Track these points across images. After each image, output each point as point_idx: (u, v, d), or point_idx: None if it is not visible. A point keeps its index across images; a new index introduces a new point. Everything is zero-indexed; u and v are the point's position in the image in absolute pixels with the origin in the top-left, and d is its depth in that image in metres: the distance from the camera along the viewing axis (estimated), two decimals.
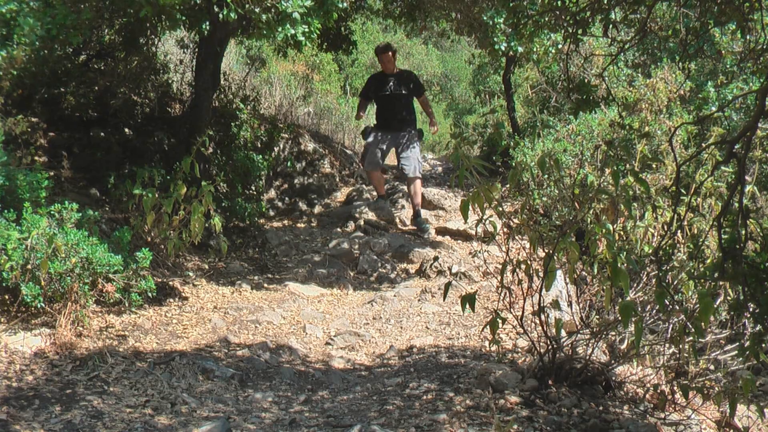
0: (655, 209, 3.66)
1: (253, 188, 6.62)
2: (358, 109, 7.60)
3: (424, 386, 3.49)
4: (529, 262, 3.24)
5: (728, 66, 7.13)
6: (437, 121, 7.65)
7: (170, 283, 4.97)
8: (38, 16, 3.93)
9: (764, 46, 3.29)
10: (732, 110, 6.49)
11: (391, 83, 7.14)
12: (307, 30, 4.63)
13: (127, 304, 4.15)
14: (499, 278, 3.35)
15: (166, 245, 4.86)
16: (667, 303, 2.87)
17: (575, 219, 3.45)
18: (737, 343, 3.30)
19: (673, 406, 3.31)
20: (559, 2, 3.50)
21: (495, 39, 6.84)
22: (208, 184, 4.85)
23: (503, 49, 7.07)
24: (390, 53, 7.20)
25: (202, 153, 5.15)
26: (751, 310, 2.54)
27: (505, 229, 3.41)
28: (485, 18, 6.65)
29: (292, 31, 4.58)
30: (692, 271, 3.23)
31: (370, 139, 7.19)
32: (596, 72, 7.96)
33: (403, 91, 7.16)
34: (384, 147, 7.19)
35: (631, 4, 3.53)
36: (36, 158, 5.42)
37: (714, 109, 6.42)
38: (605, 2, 3.35)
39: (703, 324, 2.62)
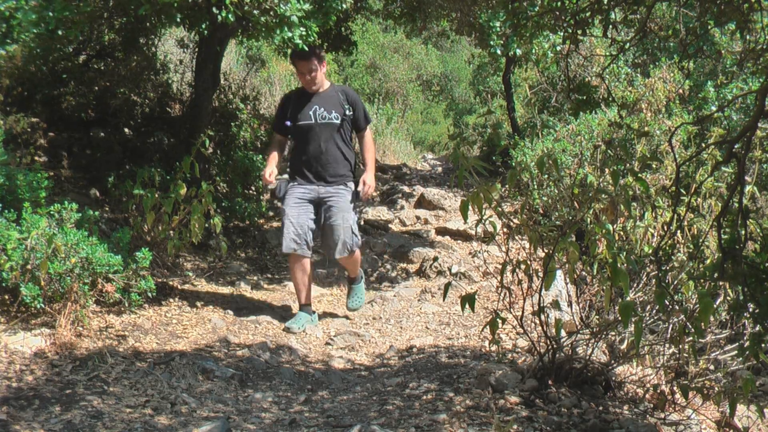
0: (654, 209, 3.66)
1: (253, 188, 6.62)
2: (269, 152, 4.76)
3: (424, 386, 3.49)
4: (529, 262, 3.24)
5: (728, 66, 7.14)
6: (372, 177, 4.73)
7: (170, 283, 4.97)
8: (38, 11, 3.93)
9: (764, 46, 3.29)
10: (732, 110, 6.50)
11: (316, 107, 4.62)
12: (304, 33, 4.64)
13: (127, 304, 4.15)
14: (499, 278, 3.35)
15: (166, 245, 4.86)
16: (667, 303, 2.87)
17: (575, 219, 3.45)
18: (737, 343, 3.30)
19: (673, 406, 3.31)
20: (558, 3, 3.50)
21: (491, 42, 6.86)
22: (208, 184, 4.86)
23: (499, 52, 7.10)
24: (312, 61, 4.58)
25: (202, 153, 5.15)
26: (751, 310, 2.54)
27: (505, 229, 3.41)
28: (481, 21, 6.67)
29: (290, 34, 4.59)
30: (692, 271, 3.23)
31: (289, 202, 4.60)
32: (596, 71, 7.96)
33: (334, 119, 4.61)
34: (310, 211, 4.61)
35: (630, 5, 3.53)
36: (36, 158, 5.43)
37: (714, 109, 6.43)
38: (605, 3, 3.35)
39: (703, 324, 2.62)
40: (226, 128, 6.50)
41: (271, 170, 4.57)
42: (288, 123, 4.65)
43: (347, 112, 4.67)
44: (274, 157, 4.68)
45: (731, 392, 2.90)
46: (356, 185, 4.69)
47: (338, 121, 4.63)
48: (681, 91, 6.54)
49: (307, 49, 4.57)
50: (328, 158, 4.63)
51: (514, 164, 6.42)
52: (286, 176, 4.71)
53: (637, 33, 3.62)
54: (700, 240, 3.32)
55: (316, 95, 4.67)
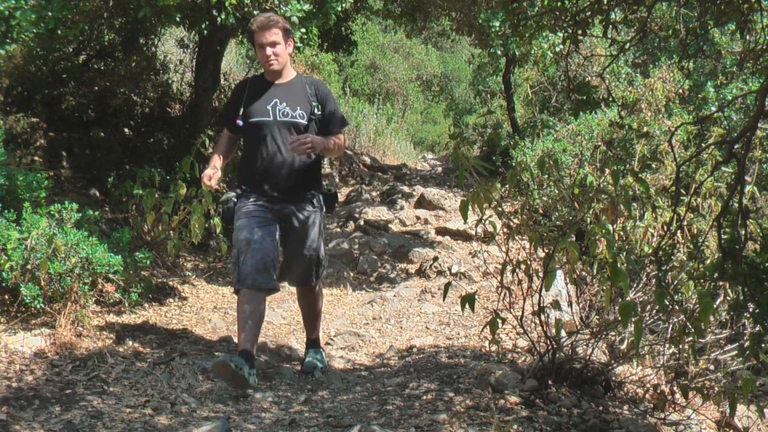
0: (654, 209, 3.66)
1: None
2: (214, 151, 3.85)
3: (424, 386, 3.49)
4: (529, 262, 3.24)
5: (728, 66, 7.14)
6: (323, 142, 3.58)
7: (170, 283, 4.97)
8: (37, 10, 3.93)
9: (764, 46, 3.29)
10: (732, 110, 6.50)
11: (276, 100, 3.61)
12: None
13: (127, 304, 4.15)
14: (499, 278, 3.35)
15: (166, 245, 4.87)
16: (667, 303, 2.87)
17: (575, 219, 3.45)
18: (737, 343, 3.30)
19: (673, 406, 3.31)
20: (558, 3, 3.51)
21: (491, 42, 6.88)
22: None
23: (499, 52, 7.12)
24: (275, 30, 3.54)
25: (202, 153, 5.15)
26: (751, 310, 2.54)
27: (505, 229, 3.41)
28: (480, 21, 6.68)
29: None
30: (692, 271, 3.23)
31: (242, 223, 3.55)
32: (596, 71, 7.97)
33: (299, 118, 3.60)
34: (268, 233, 3.55)
35: (630, 5, 3.53)
36: (36, 158, 5.43)
37: (714, 109, 6.43)
38: (605, 3, 3.35)
39: (703, 324, 2.62)
40: None
41: (212, 172, 3.54)
42: (240, 122, 3.62)
43: (316, 111, 3.63)
44: (218, 158, 3.70)
45: (731, 392, 2.90)
46: (325, 201, 3.82)
47: (304, 121, 3.60)
48: (681, 91, 6.54)
49: (264, 17, 3.58)
50: (289, 168, 3.59)
51: (514, 164, 6.42)
52: (232, 193, 3.70)
53: (637, 33, 3.62)
54: (700, 240, 3.31)
55: (278, 86, 3.64)
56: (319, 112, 3.66)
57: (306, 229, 3.69)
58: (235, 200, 3.66)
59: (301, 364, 3.91)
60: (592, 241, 3.12)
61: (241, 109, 3.61)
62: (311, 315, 3.95)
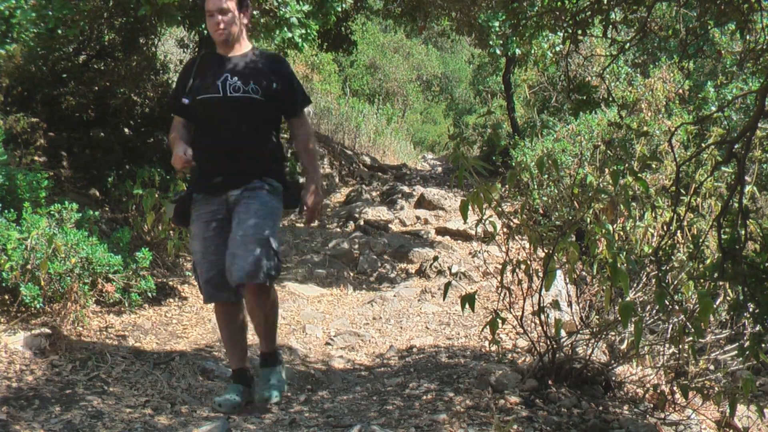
0: (654, 209, 3.66)
1: None
2: (170, 134, 3.18)
3: (424, 386, 3.49)
4: (528, 262, 3.24)
5: (728, 66, 7.14)
6: (319, 192, 3.10)
7: (170, 283, 4.97)
8: (37, 9, 3.94)
9: (764, 46, 3.29)
10: (732, 110, 6.50)
11: (227, 75, 3.05)
12: (304, 33, 4.66)
13: (127, 304, 4.15)
14: (499, 278, 3.35)
15: (166, 245, 4.87)
16: (667, 303, 2.87)
17: (575, 219, 3.46)
18: (737, 343, 3.30)
19: (673, 406, 3.32)
20: (558, 3, 3.51)
21: (491, 42, 6.89)
22: None
23: (499, 52, 7.13)
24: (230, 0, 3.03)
25: None
26: (751, 310, 2.54)
27: (505, 229, 3.41)
28: (480, 21, 6.70)
29: (289, 35, 4.62)
30: (692, 271, 3.23)
31: (196, 231, 3.08)
32: (596, 71, 7.97)
33: (253, 93, 3.04)
34: (225, 241, 2.98)
35: (630, 5, 3.53)
36: (36, 158, 5.43)
37: (714, 109, 6.43)
38: (605, 3, 3.35)
39: (703, 324, 2.62)
40: None
41: (183, 149, 2.97)
42: (186, 100, 3.06)
43: (274, 86, 3.07)
44: (178, 135, 3.09)
45: (731, 392, 2.90)
46: (289, 192, 3.17)
47: (259, 96, 3.04)
48: (681, 91, 6.55)
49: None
50: (243, 153, 3.04)
51: (514, 164, 6.42)
52: (182, 192, 3.26)
53: (637, 33, 3.62)
54: (700, 240, 3.31)
55: (230, 59, 3.10)
56: (278, 88, 3.09)
57: (252, 207, 2.98)
58: (185, 195, 3.14)
59: (251, 389, 3.14)
60: (592, 241, 3.12)
61: (189, 87, 3.07)
62: (268, 323, 3.17)
